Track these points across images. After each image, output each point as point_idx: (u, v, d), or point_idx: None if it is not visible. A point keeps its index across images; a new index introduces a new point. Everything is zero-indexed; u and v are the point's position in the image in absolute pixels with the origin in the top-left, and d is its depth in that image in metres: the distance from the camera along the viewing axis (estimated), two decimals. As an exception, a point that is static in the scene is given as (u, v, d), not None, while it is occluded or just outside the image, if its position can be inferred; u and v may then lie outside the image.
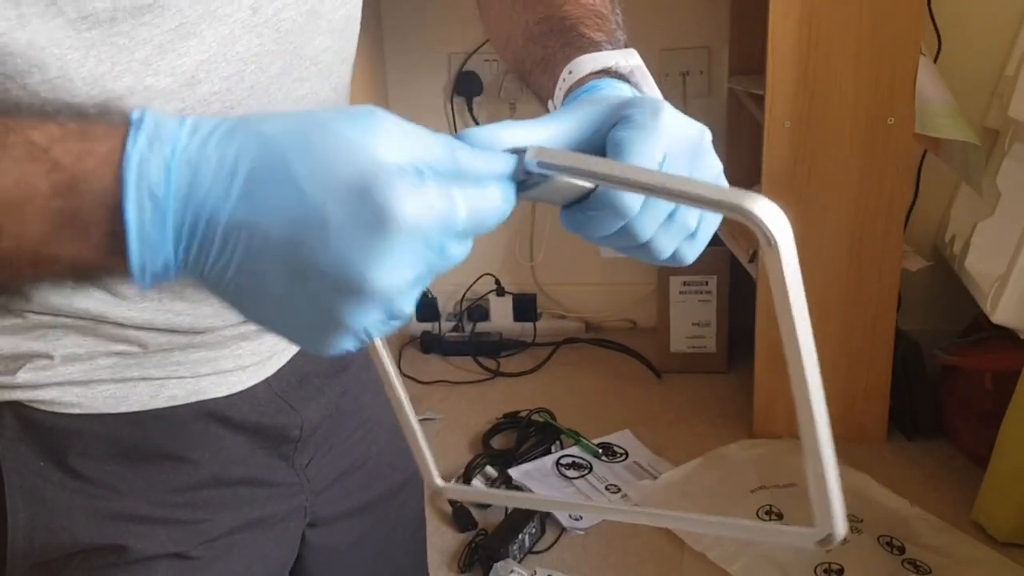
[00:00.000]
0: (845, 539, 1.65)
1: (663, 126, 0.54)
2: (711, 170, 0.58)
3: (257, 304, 0.47)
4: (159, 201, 0.44)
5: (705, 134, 0.58)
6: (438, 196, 0.46)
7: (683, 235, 0.58)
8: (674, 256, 0.59)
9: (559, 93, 0.68)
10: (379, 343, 0.57)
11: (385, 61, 2.78)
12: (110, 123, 0.46)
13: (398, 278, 0.46)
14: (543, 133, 0.54)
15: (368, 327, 0.48)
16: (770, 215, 0.45)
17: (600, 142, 0.56)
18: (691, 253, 0.59)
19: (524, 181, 0.51)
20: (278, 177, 0.45)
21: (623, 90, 0.64)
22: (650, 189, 0.48)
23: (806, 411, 0.47)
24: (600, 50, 0.68)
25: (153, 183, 0.44)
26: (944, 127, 2.04)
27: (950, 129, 2.04)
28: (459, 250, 0.49)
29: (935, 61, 2.29)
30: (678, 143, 0.55)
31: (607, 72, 0.66)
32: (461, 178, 0.48)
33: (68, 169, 0.45)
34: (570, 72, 0.67)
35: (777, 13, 2.01)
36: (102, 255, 0.46)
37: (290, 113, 0.47)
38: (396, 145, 0.46)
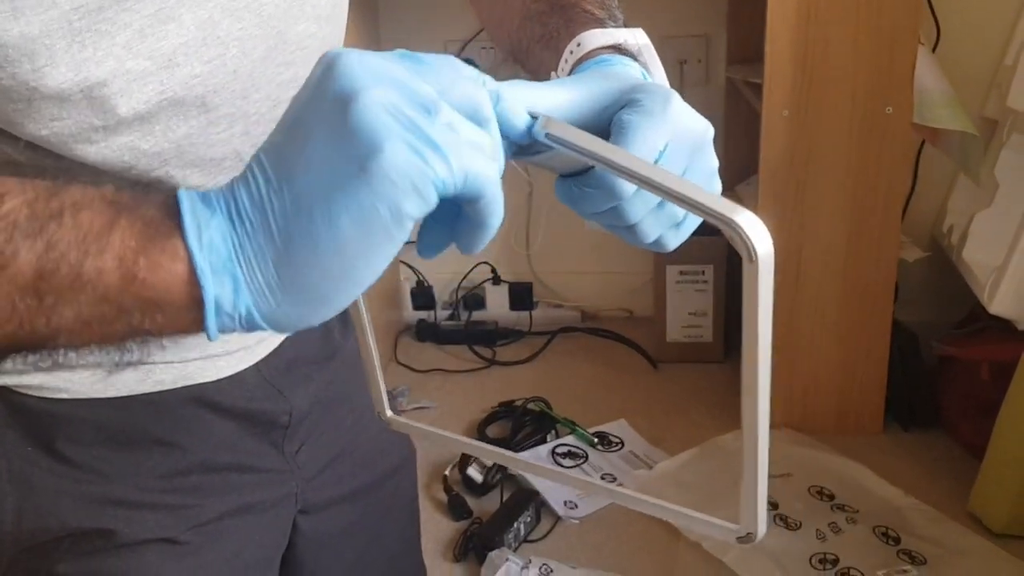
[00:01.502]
0: (839, 529, 1.64)
1: (670, 116, 0.55)
2: (708, 166, 0.59)
3: (315, 191, 0.44)
4: (206, 196, 0.46)
5: (709, 130, 0.58)
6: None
7: (669, 224, 0.59)
8: (657, 241, 0.60)
9: (565, 65, 0.69)
10: None
11: (381, 48, 2.76)
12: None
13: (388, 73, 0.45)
14: (556, 97, 0.55)
15: (407, 137, 0.44)
16: (754, 230, 0.47)
17: (607, 119, 0.56)
18: (674, 241, 0.61)
19: (529, 146, 0.53)
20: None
21: (633, 69, 0.64)
22: (647, 183, 0.49)
23: (751, 415, 0.50)
24: (604, 26, 0.69)
25: (202, 195, 0.46)
26: (942, 117, 2.04)
27: (948, 119, 2.04)
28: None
29: (934, 51, 2.29)
30: (682, 135, 0.56)
31: (616, 48, 0.67)
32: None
33: (126, 193, 0.47)
34: (578, 44, 0.68)
35: (776, 1, 2.00)
36: (156, 242, 0.45)
37: None
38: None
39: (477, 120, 0.48)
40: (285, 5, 0.68)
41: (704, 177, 0.59)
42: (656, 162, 0.55)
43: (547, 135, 0.51)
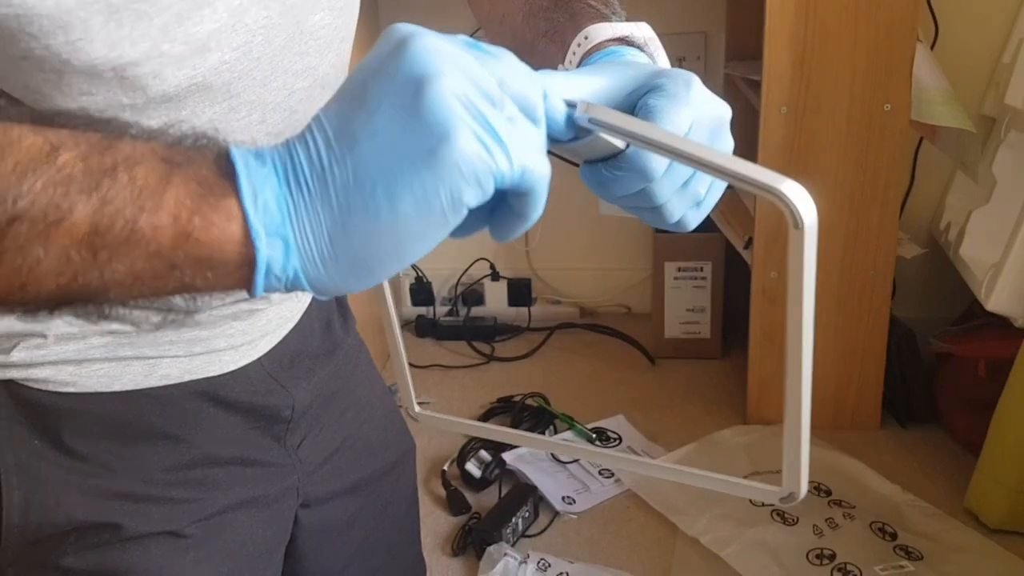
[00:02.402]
0: (836, 524, 1.64)
1: (693, 99, 0.57)
2: (726, 146, 0.61)
3: (380, 167, 0.45)
4: (260, 153, 0.47)
5: (727, 112, 0.60)
6: None
7: (693, 202, 0.61)
8: (680, 221, 0.62)
9: (573, 58, 0.70)
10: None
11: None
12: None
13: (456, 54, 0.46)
14: (587, 84, 0.57)
15: (473, 118, 0.45)
16: (799, 198, 0.49)
17: (631, 105, 0.58)
18: (695, 219, 0.62)
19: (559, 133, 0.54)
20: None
21: (642, 59, 0.66)
22: (693, 160, 0.51)
23: (794, 379, 0.51)
24: (609, 21, 0.70)
25: (255, 153, 0.47)
26: (940, 114, 2.04)
27: (946, 116, 2.04)
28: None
29: (932, 48, 2.29)
30: (703, 116, 0.58)
31: (624, 40, 0.68)
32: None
33: (177, 149, 0.47)
34: (586, 37, 0.69)
35: (774, -2, 2.01)
36: (211, 201, 0.46)
37: None
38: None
39: (531, 118, 0.49)
40: None
41: None
42: None
43: (590, 120, 0.52)
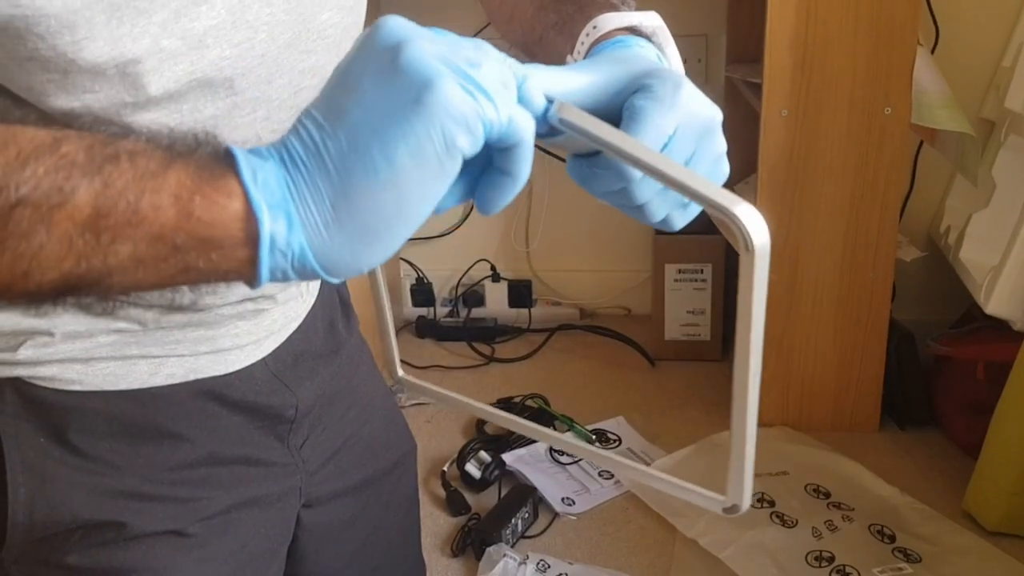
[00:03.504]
0: (835, 526, 1.64)
1: (680, 102, 0.57)
2: (715, 150, 0.60)
3: (370, 127, 0.47)
4: (257, 149, 0.48)
5: (717, 116, 0.60)
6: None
7: (676, 204, 0.61)
8: (665, 220, 0.62)
9: (581, 47, 0.70)
10: None
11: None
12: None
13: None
14: (573, 81, 0.57)
15: (453, 79, 0.47)
16: (752, 221, 0.49)
17: (620, 103, 0.58)
18: (681, 220, 0.62)
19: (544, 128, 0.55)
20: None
21: (648, 50, 0.66)
22: (651, 171, 0.51)
23: (741, 393, 0.52)
24: (619, 11, 0.71)
25: (252, 148, 0.48)
26: (940, 118, 2.05)
27: (946, 120, 2.05)
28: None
29: (932, 52, 2.30)
30: (691, 120, 0.58)
31: (632, 30, 0.69)
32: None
33: (178, 143, 0.48)
34: (595, 27, 0.69)
35: (775, 1, 2.01)
36: (211, 180, 0.47)
37: None
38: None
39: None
40: None
41: (711, 160, 0.60)
42: (665, 146, 0.57)
43: (560, 120, 0.53)
